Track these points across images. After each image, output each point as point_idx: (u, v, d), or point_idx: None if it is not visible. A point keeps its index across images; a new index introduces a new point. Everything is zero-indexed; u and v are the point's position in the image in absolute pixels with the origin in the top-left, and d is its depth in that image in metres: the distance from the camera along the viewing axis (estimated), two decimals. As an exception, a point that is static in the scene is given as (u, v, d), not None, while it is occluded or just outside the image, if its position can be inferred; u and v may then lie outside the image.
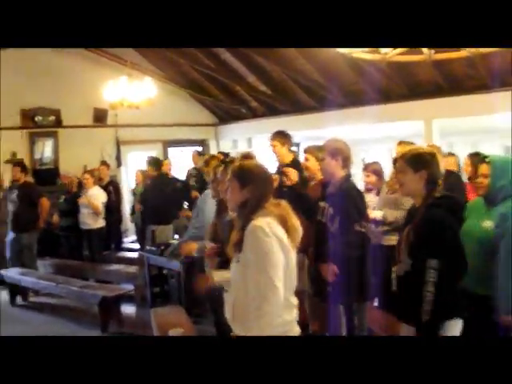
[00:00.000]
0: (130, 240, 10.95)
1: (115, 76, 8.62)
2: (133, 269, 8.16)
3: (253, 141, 12.02)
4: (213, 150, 12.46)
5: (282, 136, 6.02)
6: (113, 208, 9.77)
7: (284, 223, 2.87)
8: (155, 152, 11.90)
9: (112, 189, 9.92)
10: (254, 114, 11.64)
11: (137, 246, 9.93)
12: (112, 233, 9.99)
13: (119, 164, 11.66)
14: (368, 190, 5.99)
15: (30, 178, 10.06)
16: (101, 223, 9.08)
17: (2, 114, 10.58)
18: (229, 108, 12.26)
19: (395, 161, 4.72)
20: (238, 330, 2.98)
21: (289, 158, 5.96)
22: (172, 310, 5.99)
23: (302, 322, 3.44)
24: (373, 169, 6.06)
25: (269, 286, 2.74)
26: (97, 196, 8.99)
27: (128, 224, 11.00)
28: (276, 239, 2.77)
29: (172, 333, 4.59)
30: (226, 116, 12.81)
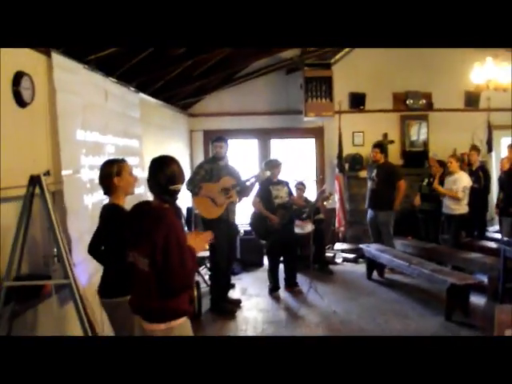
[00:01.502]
0: (494, 229, 10.48)
1: (485, 56, 8.27)
2: (490, 259, 7.84)
3: None
4: None
5: None
6: (481, 194, 9.48)
7: None
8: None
9: (482, 174, 9.64)
10: None
11: (499, 235, 9.48)
12: (477, 220, 9.70)
13: (490, 149, 11.22)
14: None
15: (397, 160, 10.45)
16: (464, 209, 8.81)
17: (376, 97, 11.15)
18: None
19: None
20: None
21: None
22: (519, 308, 5.62)
23: None
24: None
25: None
26: (459, 181, 8.78)
27: (494, 213, 10.55)
28: None
29: (508, 332, 4.35)
30: None
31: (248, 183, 7.54)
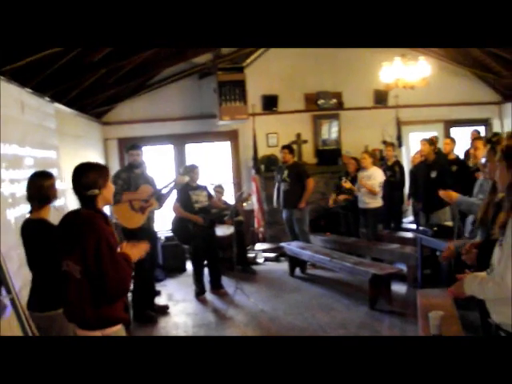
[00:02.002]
0: (409, 220, 10.90)
1: (393, 56, 8.62)
2: (407, 249, 8.17)
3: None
4: (496, 129, 11.83)
5: None
6: (396, 188, 9.85)
7: None
8: (436, 132, 11.69)
9: (397, 169, 10.02)
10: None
11: (414, 226, 9.86)
12: (393, 212, 10.04)
13: (400, 144, 11.66)
14: None
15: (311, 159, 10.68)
16: (378, 203, 9.15)
17: (288, 99, 11.37)
18: (513, 85, 11.47)
19: None
20: (495, 316, 2.94)
21: None
22: (439, 292, 5.89)
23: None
24: None
25: None
26: (374, 176, 9.11)
27: (406, 204, 10.98)
28: None
29: (431, 314, 4.55)
30: (510, 93, 11.97)
31: (166, 190, 7.54)
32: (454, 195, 5.20)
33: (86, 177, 3.34)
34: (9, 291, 3.56)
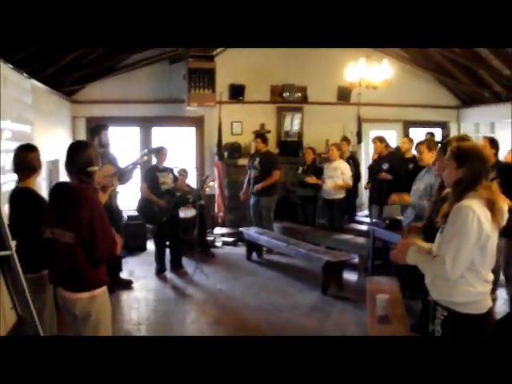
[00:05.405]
0: (363, 214, 11.32)
1: (359, 56, 8.95)
2: (360, 240, 8.57)
3: (495, 125, 11.67)
4: (453, 133, 12.37)
5: None
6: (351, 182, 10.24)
7: (491, 206, 3.12)
8: (395, 131, 12.19)
9: (352, 163, 10.35)
10: (498, 98, 11.27)
11: (368, 220, 10.27)
12: (348, 205, 10.44)
13: (359, 141, 12.07)
14: None
15: (273, 149, 11.05)
16: (343, 194, 9.61)
17: (254, 89, 11.68)
18: (472, 91, 12.00)
19: None
20: (434, 294, 3.35)
21: None
22: (386, 280, 6.32)
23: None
24: None
25: (453, 260, 3.06)
26: (341, 169, 9.51)
27: (363, 199, 11.44)
28: (477, 222, 3.05)
29: (378, 297, 4.98)
30: (468, 99, 12.53)
31: (127, 169, 7.76)
32: (407, 198, 5.58)
33: (88, 154, 3.69)
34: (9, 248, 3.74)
